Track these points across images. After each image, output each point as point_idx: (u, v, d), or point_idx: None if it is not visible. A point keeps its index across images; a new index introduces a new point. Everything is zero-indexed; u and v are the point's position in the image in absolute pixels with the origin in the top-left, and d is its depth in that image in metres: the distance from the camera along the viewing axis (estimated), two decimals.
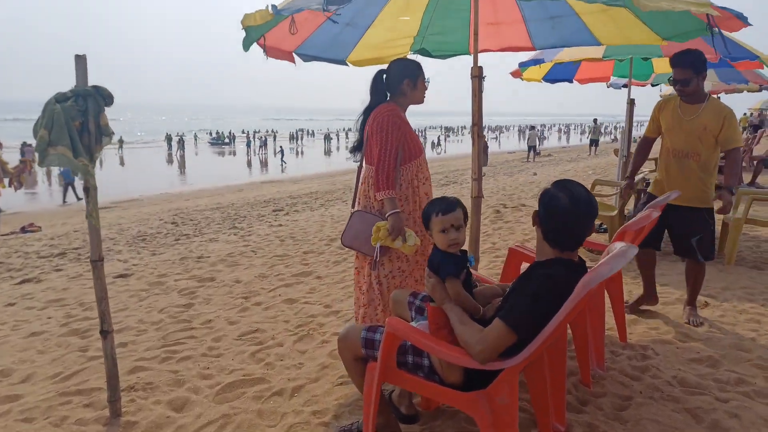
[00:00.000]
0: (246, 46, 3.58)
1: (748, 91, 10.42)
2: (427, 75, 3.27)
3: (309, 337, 3.77)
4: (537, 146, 28.33)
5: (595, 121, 30.50)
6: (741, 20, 2.83)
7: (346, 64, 4.57)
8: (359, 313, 3.19)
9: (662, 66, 7.45)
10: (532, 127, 31.64)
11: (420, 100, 3.23)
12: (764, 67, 5.89)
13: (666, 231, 3.91)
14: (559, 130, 76.79)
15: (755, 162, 9.95)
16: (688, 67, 3.62)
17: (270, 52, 3.84)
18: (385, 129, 3.00)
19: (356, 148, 3.29)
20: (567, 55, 5.76)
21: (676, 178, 3.78)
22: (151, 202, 18.49)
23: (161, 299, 4.92)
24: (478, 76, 3.61)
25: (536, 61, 6.12)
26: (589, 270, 1.99)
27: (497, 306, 2.19)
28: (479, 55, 3.69)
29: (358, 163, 3.30)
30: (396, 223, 2.94)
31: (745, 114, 31.04)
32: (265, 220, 10.10)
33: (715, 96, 3.89)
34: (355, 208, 3.27)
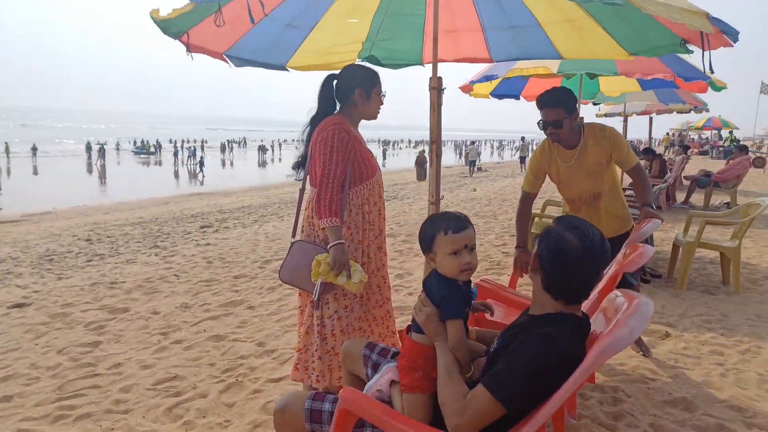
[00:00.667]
0: (170, 35, 3.07)
1: (678, 112, 10.69)
2: (384, 88, 2.84)
3: (238, 385, 3.20)
4: (477, 161, 28.54)
5: (522, 138, 31.15)
6: (728, 37, 2.56)
7: (287, 70, 4.06)
8: (294, 357, 2.69)
9: (609, 85, 7.39)
10: (472, 142, 31.97)
11: (373, 115, 2.80)
12: (708, 90, 5.87)
13: None
14: (492, 146, 78.66)
15: (689, 182, 10.17)
16: (560, 107, 3.24)
17: (195, 50, 3.29)
18: (330, 146, 2.54)
19: (300, 164, 2.80)
20: (519, 69, 5.49)
21: (593, 220, 3.33)
22: (66, 215, 17.06)
23: (63, 336, 4.19)
24: (437, 87, 3.20)
25: (487, 78, 5.82)
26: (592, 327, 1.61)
27: (482, 365, 1.75)
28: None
29: (301, 182, 2.81)
30: (339, 256, 2.48)
31: (667, 134, 32.81)
32: (191, 238, 9.31)
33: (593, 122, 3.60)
34: (296, 237, 2.77)
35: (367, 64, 4.25)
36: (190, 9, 2.62)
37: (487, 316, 2.72)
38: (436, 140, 3.26)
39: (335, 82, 2.76)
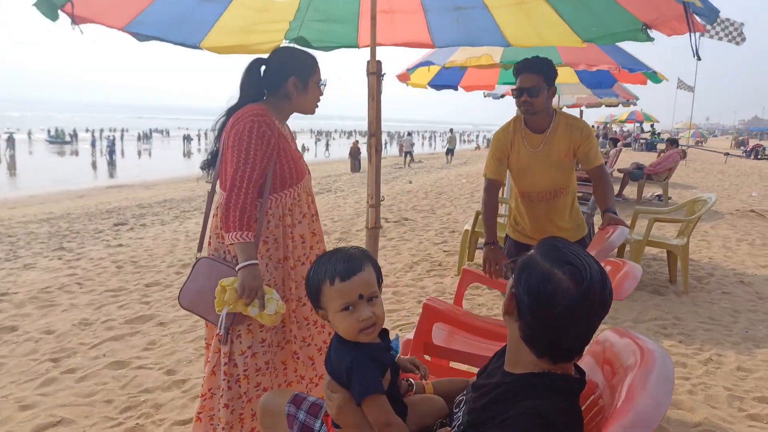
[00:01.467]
0: (46, 13, 2.48)
1: (607, 105, 10.78)
2: (324, 76, 2.36)
3: (138, 430, 2.64)
4: (412, 152, 28.29)
5: (451, 130, 31.29)
6: (703, 19, 2.26)
7: (200, 49, 3.49)
8: (196, 405, 2.20)
9: None
10: (409, 133, 31.65)
11: (310, 108, 2.32)
12: (647, 82, 5.75)
13: None
14: (422, 137, 78.76)
15: (622, 175, 10.27)
16: (540, 74, 2.87)
17: (82, 21, 2.69)
18: (245, 141, 2.05)
19: (210, 163, 2.28)
20: (460, 60, 5.13)
21: (546, 223, 2.99)
22: None
23: None
24: (376, 72, 2.77)
25: (427, 63, 5.41)
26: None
27: None
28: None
29: (211, 184, 2.29)
30: (248, 281, 2.00)
31: (593, 126, 33.94)
32: (103, 238, 8.44)
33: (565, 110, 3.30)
34: (202, 253, 2.26)
35: (298, 47, 3.77)
36: None
37: (440, 342, 2.32)
38: (375, 133, 2.83)
39: (263, 68, 2.26)
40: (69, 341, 3.84)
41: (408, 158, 27.04)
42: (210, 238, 2.23)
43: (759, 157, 28.88)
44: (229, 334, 2.11)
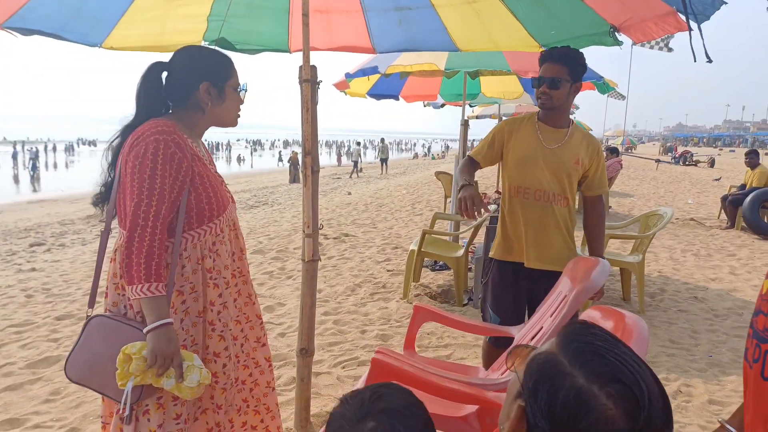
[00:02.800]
0: None
1: None
2: (243, 80, 1.94)
3: None
4: (360, 162, 27.79)
5: (382, 140, 31.01)
6: (697, 17, 1.99)
7: (102, 48, 3.02)
8: None
9: (490, 86, 7.03)
10: (358, 143, 31.07)
11: (230, 120, 1.90)
12: (595, 89, 5.65)
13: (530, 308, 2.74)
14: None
15: None
16: (565, 65, 2.51)
17: None
18: (148, 166, 1.62)
19: (103, 198, 1.82)
20: (401, 65, 4.82)
21: (535, 231, 2.60)
22: None
23: None
24: (310, 79, 2.40)
25: (365, 72, 5.06)
26: None
27: None
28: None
29: (105, 223, 1.83)
30: (161, 347, 1.59)
31: None
32: (15, 261, 7.61)
33: None
34: (94, 310, 1.81)
35: (217, 49, 3.35)
36: None
37: None
38: (311, 151, 2.46)
39: (165, 73, 1.82)
40: None
41: (355, 169, 26.60)
42: (107, 289, 1.78)
43: (687, 162, 30.27)
44: (134, 410, 1.67)
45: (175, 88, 1.79)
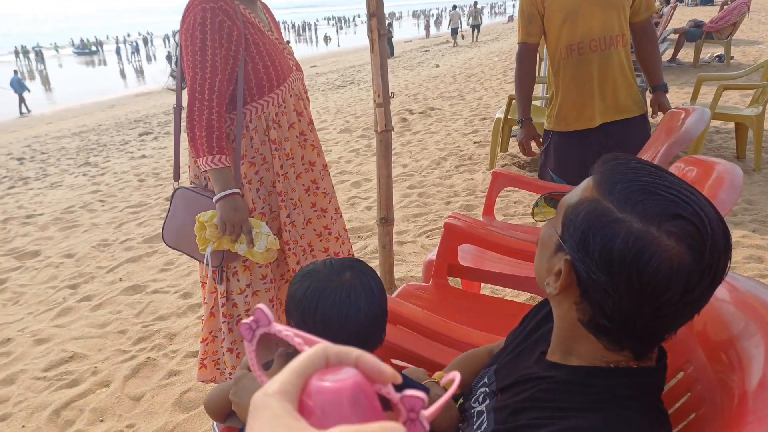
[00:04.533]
0: None
1: None
2: None
3: (150, 365, 2.50)
4: (460, 29, 26.23)
5: (475, 3, 28.65)
6: None
7: None
8: (198, 350, 1.98)
9: None
10: (454, 7, 28.93)
11: None
12: None
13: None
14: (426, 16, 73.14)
15: (677, 35, 9.10)
16: None
17: None
18: (198, 38, 1.61)
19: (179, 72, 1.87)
20: None
21: (598, 87, 2.38)
22: (8, 128, 15.70)
23: None
24: None
25: None
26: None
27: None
28: None
29: (176, 94, 1.90)
30: (229, 215, 1.67)
31: None
32: (127, 150, 8.28)
33: None
34: (179, 182, 1.94)
35: None
36: None
37: (468, 262, 2.00)
38: (375, 12, 2.35)
39: None
40: (87, 265, 3.73)
41: (455, 36, 25.22)
42: (189, 162, 1.89)
43: None
44: (224, 271, 1.83)
45: None
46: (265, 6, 1.90)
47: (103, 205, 5.15)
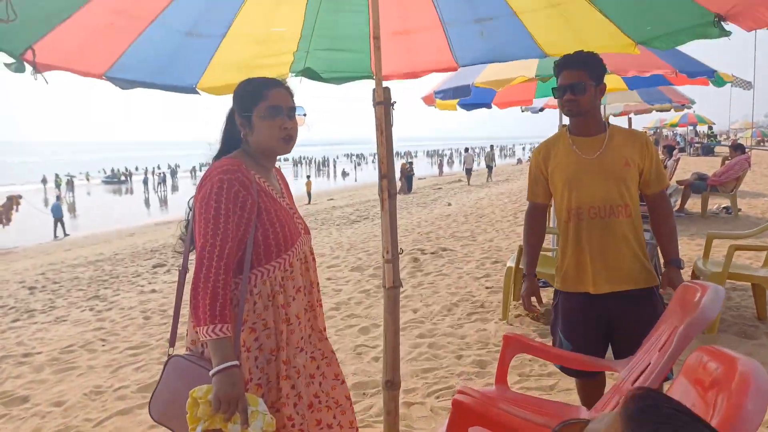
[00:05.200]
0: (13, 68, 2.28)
1: (658, 111, 9.95)
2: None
3: None
4: (473, 169, 27.60)
5: (491, 147, 30.74)
6: None
7: (197, 92, 3.15)
8: None
9: None
10: (466, 149, 30.75)
11: (270, 147, 1.82)
12: (709, 84, 5.11)
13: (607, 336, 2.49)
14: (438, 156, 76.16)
15: (683, 187, 9.34)
16: (582, 69, 2.38)
17: (45, 68, 2.38)
18: (213, 206, 1.66)
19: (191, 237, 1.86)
20: (488, 81, 4.63)
21: (599, 253, 2.38)
22: (28, 254, 16.06)
23: None
24: (383, 102, 2.34)
25: (456, 92, 4.94)
26: None
27: None
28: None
29: (183, 257, 1.89)
30: (225, 391, 1.56)
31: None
32: (138, 283, 8.29)
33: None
34: (174, 348, 1.85)
35: (299, 79, 3.38)
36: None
37: None
38: (387, 174, 2.39)
39: None
40: (76, 416, 3.51)
41: (469, 176, 26.36)
42: (188, 326, 1.82)
43: None
44: None
45: (233, 125, 1.85)
46: (278, 171, 1.97)
47: (103, 345, 5.01)
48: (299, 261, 1.85)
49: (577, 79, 2.36)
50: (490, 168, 28.42)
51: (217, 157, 1.87)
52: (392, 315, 2.43)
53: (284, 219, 1.81)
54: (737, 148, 9.42)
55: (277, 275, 1.77)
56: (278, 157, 1.92)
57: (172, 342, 1.87)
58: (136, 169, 55.87)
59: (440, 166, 42.14)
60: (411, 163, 27.84)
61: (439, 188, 24.15)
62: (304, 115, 1.88)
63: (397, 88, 3.53)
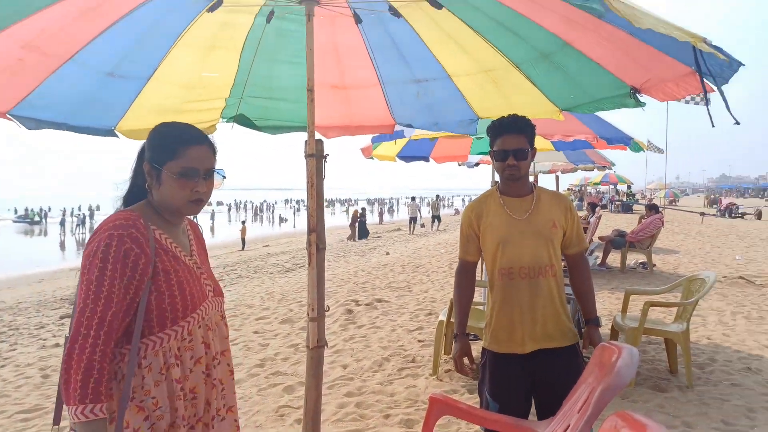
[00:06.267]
0: None
1: (582, 170, 10.52)
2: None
3: None
4: (418, 218, 27.64)
5: (437, 197, 31.09)
6: (714, 80, 1.82)
7: (115, 135, 2.98)
8: None
9: None
10: (413, 199, 30.85)
11: (175, 207, 1.62)
12: (627, 149, 5.42)
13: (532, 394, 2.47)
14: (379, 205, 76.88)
15: (605, 242, 9.82)
16: (524, 134, 2.40)
17: None
18: (96, 266, 1.45)
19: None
20: (427, 132, 4.72)
21: (528, 312, 2.38)
22: None
23: None
24: (315, 154, 2.29)
25: (392, 136, 4.98)
26: None
27: None
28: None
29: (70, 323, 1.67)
30: None
31: (568, 189, 34.28)
32: (41, 336, 7.59)
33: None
34: (59, 427, 1.63)
35: (230, 125, 3.28)
36: None
37: None
38: (315, 228, 2.31)
39: None
40: None
41: (413, 224, 26.46)
42: None
43: (733, 215, 29.09)
44: None
45: (141, 171, 1.66)
46: (192, 225, 1.81)
47: None
48: (201, 328, 1.64)
49: (519, 145, 2.38)
50: (435, 218, 28.66)
51: (124, 201, 1.69)
52: (315, 377, 2.32)
53: (187, 280, 1.62)
54: (652, 208, 10.08)
55: (172, 345, 1.55)
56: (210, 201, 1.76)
57: (56, 420, 1.63)
58: (50, 209, 52.82)
59: (380, 214, 42.37)
60: (364, 209, 27.88)
61: (379, 236, 24.17)
62: (223, 177, 1.76)
63: (338, 140, 3.49)
